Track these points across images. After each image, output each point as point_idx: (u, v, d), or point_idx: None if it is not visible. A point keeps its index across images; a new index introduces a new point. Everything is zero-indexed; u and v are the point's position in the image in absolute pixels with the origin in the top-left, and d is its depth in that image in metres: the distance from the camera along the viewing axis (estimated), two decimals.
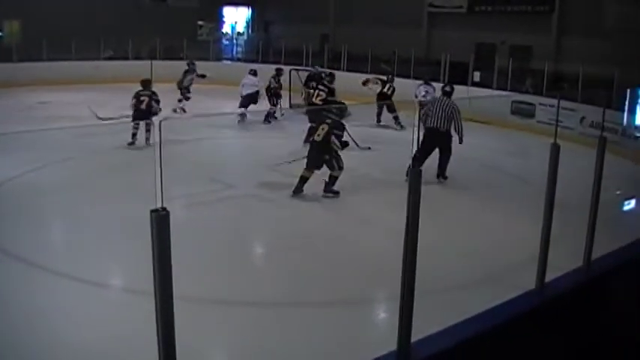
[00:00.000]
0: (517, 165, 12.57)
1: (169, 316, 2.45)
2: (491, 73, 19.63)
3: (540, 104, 16.81)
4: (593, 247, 4.72)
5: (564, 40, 21.77)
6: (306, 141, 13.28)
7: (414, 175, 3.10)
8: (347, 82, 19.61)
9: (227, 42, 33.72)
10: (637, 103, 13.43)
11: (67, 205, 9.31)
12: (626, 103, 13.61)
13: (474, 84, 19.01)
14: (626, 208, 7.61)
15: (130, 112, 13.32)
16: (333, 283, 6.79)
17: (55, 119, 15.38)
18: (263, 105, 17.07)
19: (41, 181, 10.45)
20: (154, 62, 19.61)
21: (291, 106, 18.53)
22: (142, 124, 12.92)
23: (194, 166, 11.19)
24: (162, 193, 2.40)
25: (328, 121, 10.05)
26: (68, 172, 11.20)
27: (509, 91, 18.48)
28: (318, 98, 14.57)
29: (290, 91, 18.86)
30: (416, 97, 17.43)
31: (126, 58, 25.09)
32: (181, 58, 23.37)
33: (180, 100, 18.14)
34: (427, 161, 10.57)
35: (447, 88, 11.86)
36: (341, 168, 9.98)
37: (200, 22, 33.06)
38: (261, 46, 27.74)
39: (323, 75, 15.79)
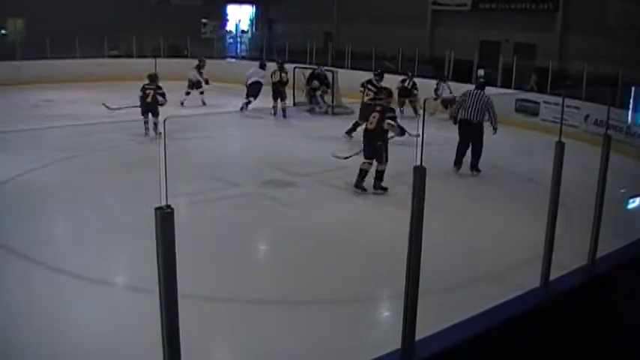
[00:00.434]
0: (521, 163, 12.56)
1: (174, 315, 2.45)
2: (495, 71, 19.59)
3: (545, 102, 16.78)
4: (597, 246, 4.71)
5: (568, 37, 21.74)
6: (348, 133, 13.92)
7: (419, 174, 3.08)
8: (352, 79, 19.66)
9: (231, 40, 33.72)
10: None
11: (71, 203, 9.32)
12: (631, 101, 13.56)
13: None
14: (630, 206, 7.57)
15: (138, 104, 14.18)
16: (338, 281, 6.79)
17: (59, 117, 15.42)
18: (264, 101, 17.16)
19: (45, 179, 10.46)
20: (158, 60, 19.67)
21: (294, 104, 18.54)
22: (150, 116, 13.90)
23: (198, 164, 11.19)
24: (167, 190, 2.40)
25: (378, 108, 10.36)
26: (72, 169, 11.20)
27: (514, 89, 18.45)
28: (367, 97, 14.62)
29: (294, 89, 18.87)
30: (437, 94, 17.59)
31: (130, 56, 25.10)
32: (185, 56, 23.44)
33: (202, 93, 19.17)
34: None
35: (482, 80, 12.61)
36: (387, 160, 10.09)
37: (204, 20, 33.09)
38: (264, 44, 27.72)
39: (374, 78, 15.74)
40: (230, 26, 35.15)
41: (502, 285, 6.24)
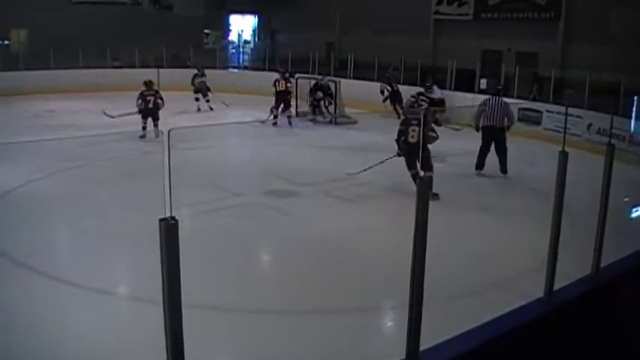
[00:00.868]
0: (524, 172, 12.54)
1: (178, 325, 2.44)
2: (497, 80, 19.59)
3: (547, 111, 16.78)
4: (601, 255, 4.69)
5: (570, 46, 21.73)
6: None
7: (422, 184, 3.08)
8: (354, 89, 19.74)
9: (233, 50, 33.78)
10: None
11: (73, 213, 9.34)
12: (633, 109, 13.58)
13: (481, 91, 18.96)
14: (633, 215, 7.56)
15: (136, 110, 15.09)
16: (340, 291, 6.77)
17: (62, 127, 15.46)
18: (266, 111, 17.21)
19: (47, 190, 10.47)
20: (161, 70, 19.80)
21: (297, 114, 18.57)
22: (150, 120, 14.98)
23: (200, 174, 11.19)
24: (172, 201, 2.40)
25: (414, 122, 10.66)
26: (74, 180, 11.21)
27: (516, 98, 18.44)
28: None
29: (297, 99, 18.90)
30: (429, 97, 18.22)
31: (133, 66, 25.15)
32: (187, 66, 23.51)
33: (208, 101, 20.22)
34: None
35: (499, 87, 13.91)
36: (432, 167, 10.20)
37: (206, 31, 33.16)
38: (267, 54, 27.76)
39: (425, 90, 15.93)
40: (233, 36, 35.23)
41: (505, 294, 6.22)
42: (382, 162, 11.14)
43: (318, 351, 5.58)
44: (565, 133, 7.11)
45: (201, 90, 20.17)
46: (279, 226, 9.19)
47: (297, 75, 19.55)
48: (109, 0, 29.34)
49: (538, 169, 12.29)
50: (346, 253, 7.97)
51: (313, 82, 19.17)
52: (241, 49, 33.55)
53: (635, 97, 13.31)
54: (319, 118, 18.46)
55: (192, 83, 20.38)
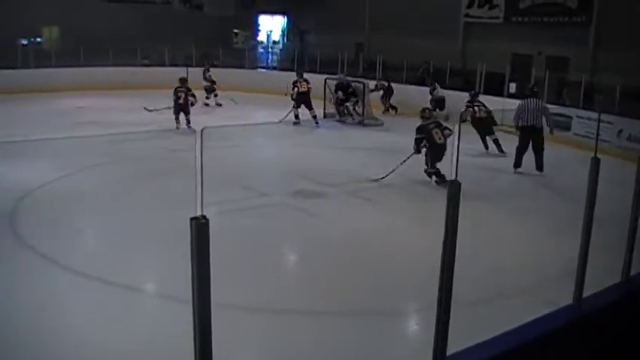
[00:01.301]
0: (552, 177, 12.42)
1: (207, 323, 2.46)
2: (527, 84, 19.43)
3: (577, 116, 16.61)
4: (631, 263, 4.65)
5: (601, 51, 21.51)
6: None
7: (453, 187, 3.06)
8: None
9: (262, 50, 33.90)
10: None
11: (101, 210, 9.43)
12: None
13: (510, 95, 18.82)
14: None
15: (172, 105, 16.09)
16: (366, 293, 6.75)
17: (91, 124, 15.58)
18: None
19: (75, 186, 10.54)
20: (190, 69, 19.93)
21: (325, 116, 18.55)
22: (182, 114, 15.96)
23: (226, 174, 11.20)
24: (202, 201, 2.41)
25: (431, 125, 11.51)
26: (103, 177, 11.30)
27: (546, 103, 18.27)
28: (477, 115, 14.99)
29: (324, 100, 18.88)
30: (432, 94, 19.60)
31: (162, 65, 25.35)
32: (216, 65, 23.63)
33: (216, 96, 20.83)
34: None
35: (535, 89, 14.49)
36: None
37: (235, 30, 33.32)
38: (296, 54, 27.81)
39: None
40: (262, 36, 35.36)
41: (531, 300, 6.16)
42: (403, 162, 11.26)
43: (342, 353, 5.57)
44: (597, 139, 7.04)
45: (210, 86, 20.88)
46: (304, 226, 9.19)
47: (325, 76, 19.56)
48: None
49: (566, 174, 12.17)
50: (372, 255, 7.94)
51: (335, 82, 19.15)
52: (270, 50, 33.65)
53: None
54: (348, 119, 18.41)
55: (205, 78, 20.83)
